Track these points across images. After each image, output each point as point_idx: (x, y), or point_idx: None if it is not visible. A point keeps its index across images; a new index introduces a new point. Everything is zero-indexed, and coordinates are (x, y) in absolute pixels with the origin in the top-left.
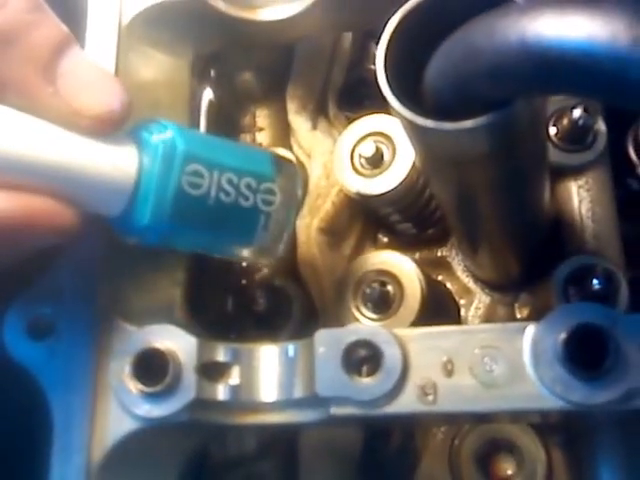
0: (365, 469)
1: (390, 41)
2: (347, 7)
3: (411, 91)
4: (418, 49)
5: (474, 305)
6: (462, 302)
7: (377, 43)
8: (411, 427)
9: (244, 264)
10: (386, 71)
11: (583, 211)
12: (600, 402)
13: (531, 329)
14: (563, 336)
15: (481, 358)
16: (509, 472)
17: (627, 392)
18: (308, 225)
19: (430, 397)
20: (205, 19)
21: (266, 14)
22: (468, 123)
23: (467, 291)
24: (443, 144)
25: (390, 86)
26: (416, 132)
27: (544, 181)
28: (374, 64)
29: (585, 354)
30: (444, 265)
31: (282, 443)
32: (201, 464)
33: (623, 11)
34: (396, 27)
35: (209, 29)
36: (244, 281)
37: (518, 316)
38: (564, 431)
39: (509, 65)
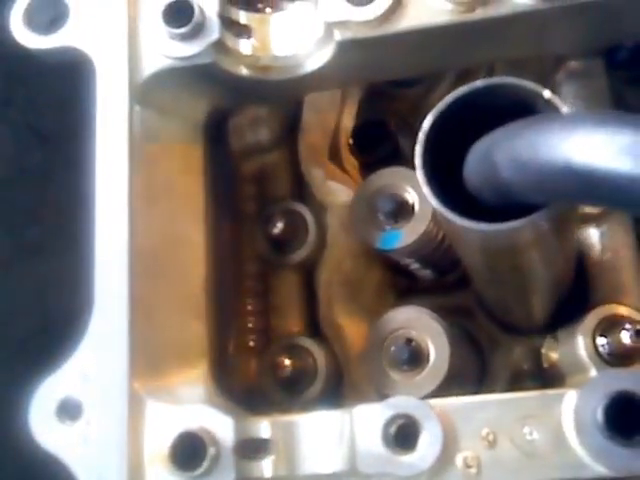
0: None
1: (427, 139)
2: (356, 65)
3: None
4: (453, 140)
5: (499, 350)
6: (486, 347)
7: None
8: None
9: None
10: (425, 171)
11: (605, 258)
12: None
13: (570, 397)
14: (603, 404)
15: (521, 427)
16: None
17: None
18: (328, 282)
19: (473, 470)
20: (217, 80)
21: (277, 74)
22: (508, 225)
23: (490, 337)
24: (481, 238)
25: (430, 186)
26: (456, 228)
27: (572, 249)
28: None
29: (625, 419)
30: (465, 311)
31: None
32: None
33: None
34: (431, 125)
35: (221, 89)
36: (268, 344)
37: (545, 364)
38: None
39: (554, 181)
